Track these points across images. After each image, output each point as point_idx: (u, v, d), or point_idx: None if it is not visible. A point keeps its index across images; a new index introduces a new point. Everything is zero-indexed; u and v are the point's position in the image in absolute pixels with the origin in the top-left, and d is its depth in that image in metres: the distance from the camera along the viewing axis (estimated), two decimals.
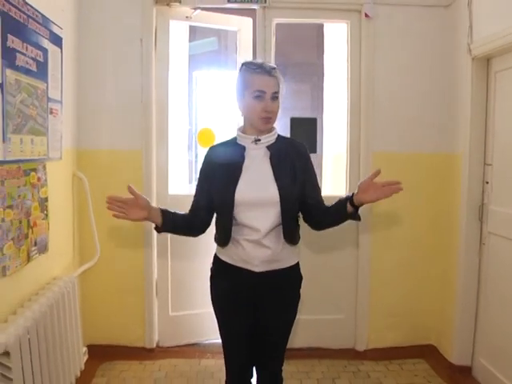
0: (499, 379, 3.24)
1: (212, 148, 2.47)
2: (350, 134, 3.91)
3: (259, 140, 2.34)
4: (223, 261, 2.39)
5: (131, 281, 3.86)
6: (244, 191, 2.26)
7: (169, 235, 3.93)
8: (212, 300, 2.47)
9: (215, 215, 2.41)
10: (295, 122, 3.95)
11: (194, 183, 5.08)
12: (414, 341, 4.00)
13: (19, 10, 2.60)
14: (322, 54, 4.63)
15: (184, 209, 3.74)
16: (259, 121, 2.27)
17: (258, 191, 2.27)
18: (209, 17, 4.04)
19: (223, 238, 2.35)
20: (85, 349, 3.58)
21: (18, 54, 2.58)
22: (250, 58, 3.94)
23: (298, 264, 2.43)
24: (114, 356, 3.83)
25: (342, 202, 2.29)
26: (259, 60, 2.48)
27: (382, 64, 3.80)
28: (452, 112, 3.77)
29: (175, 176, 4.23)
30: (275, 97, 2.26)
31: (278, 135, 2.41)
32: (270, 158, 2.32)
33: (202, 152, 5.03)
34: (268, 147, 2.35)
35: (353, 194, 2.26)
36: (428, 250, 3.95)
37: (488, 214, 3.46)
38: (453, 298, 3.73)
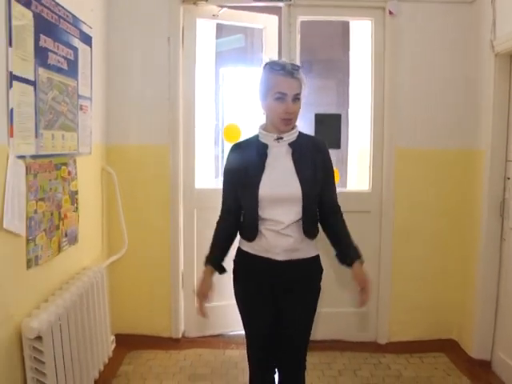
0: None
1: (234, 146, 2.51)
2: (374, 130, 3.96)
3: (281, 138, 2.38)
4: (245, 251, 2.44)
5: (158, 272, 3.97)
6: (267, 187, 2.30)
7: (195, 228, 4.05)
8: (235, 294, 2.53)
9: (242, 209, 2.46)
10: (319, 118, 4.00)
11: (221, 178, 5.21)
12: (435, 335, 4.03)
13: (51, 10, 2.71)
14: (348, 50, 4.67)
15: (211, 202, 3.89)
16: (280, 122, 2.32)
17: (281, 187, 2.32)
18: (235, 15, 4.11)
19: (250, 234, 2.39)
20: (113, 337, 3.71)
21: (49, 53, 2.70)
22: (275, 55, 4.01)
23: (318, 256, 2.46)
24: (140, 345, 3.95)
25: (343, 251, 2.42)
26: (283, 60, 2.49)
27: (406, 60, 3.83)
28: (475, 108, 3.78)
29: (202, 171, 4.33)
30: (297, 98, 2.30)
31: (300, 132, 2.45)
32: (292, 155, 2.36)
33: (228, 147, 5.14)
34: (290, 144, 2.39)
35: (352, 262, 2.39)
36: (449, 245, 3.97)
37: (509, 210, 3.46)
38: (473, 292, 3.76)
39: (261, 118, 4.14)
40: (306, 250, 2.41)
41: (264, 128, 2.44)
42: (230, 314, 4.06)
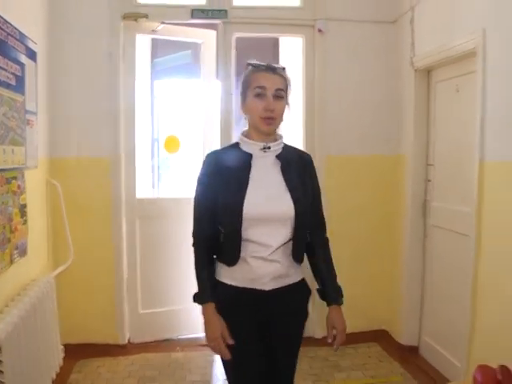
0: (442, 354, 3.66)
1: (211, 155, 2.19)
2: (306, 140, 4.22)
3: (269, 148, 2.11)
4: (225, 284, 2.12)
5: (103, 281, 4.06)
6: (253, 205, 2.02)
7: (137, 236, 4.17)
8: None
9: (221, 228, 2.11)
10: None
11: (157, 188, 5.34)
12: (368, 327, 4.35)
13: (0, 28, 2.80)
14: (278, 62, 4.93)
15: (152, 211, 4.05)
16: (260, 121, 2.05)
17: (270, 205, 2.05)
18: (174, 30, 4.26)
19: (231, 256, 2.08)
20: (61, 347, 3.77)
21: (0, 70, 2.79)
22: (213, 68, 4.23)
23: (304, 279, 2.24)
24: (89, 354, 4.01)
25: (326, 289, 2.23)
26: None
27: (335, 75, 4.14)
28: (398, 118, 4.15)
29: (140, 181, 4.46)
30: (279, 95, 2.05)
31: (284, 144, 2.19)
32: (281, 169, 2.11)
33: (166, 157, 5.29)
34: (277, 156, 2.13)
35: (332, 303, 2.21)
36: (379, 242, 4.32)
37: (430, 210, 3.85)
38: (401, 285, 4.12)
39: (200, 130, 4.37)
40: (293, 274, 2.17)
41: (246, 135, 2.16)
42: (175, 319, 4.24)
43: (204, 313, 2.12)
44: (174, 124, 5.18)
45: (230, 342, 2.05)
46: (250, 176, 2.07)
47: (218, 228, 2.10)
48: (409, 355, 4.00)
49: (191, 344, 4.27)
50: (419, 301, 4.01)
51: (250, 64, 2.14)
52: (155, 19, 4.07)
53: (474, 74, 3.08)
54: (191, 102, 4.83)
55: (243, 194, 2.03)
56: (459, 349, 3.28)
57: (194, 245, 2.18)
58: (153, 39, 4.74)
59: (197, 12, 4.04)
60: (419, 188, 3.92)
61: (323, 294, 2.23)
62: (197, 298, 2.16)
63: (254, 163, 2.10)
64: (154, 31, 4.15)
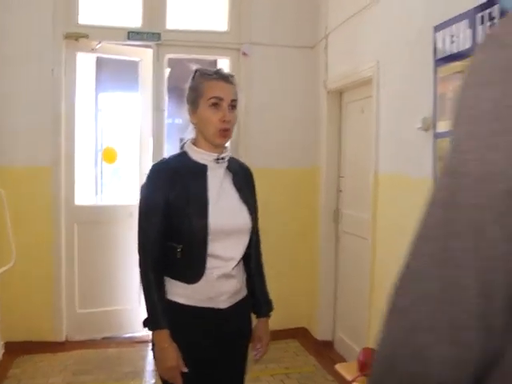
0: (351, 347, 4.06)
1: (160, 167, 2.08)
2: (234, 155, 4.56)
3: (222, 159, 2.03)
4: (180, 304, 1.98)
5: (42, 282, 4.33)
6: (218, 217, 1.94)
7: (75, 240, 4.46)
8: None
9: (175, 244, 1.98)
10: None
11: (100, 195, 5.63)
12: (288, 325, 4.72)
13: None
14: None
15: (90, 216, 4.31)
16: (216, 133, 1.97)
17: (231, 217, 2.00)
18: (113, 48, 4.58)
19: (194, 273, 1.96)
20: (1, 343, 4.03)
21: None
22: (150, 84, 4.55)
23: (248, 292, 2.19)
24: (29, 350, 4.24)
25: (257, 302, 2.20)
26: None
27: (258, 94, 4.53)
28: (315, 134, 4.59)
29: (83, 189, 4.76)
30: (234, 106, 2.00)
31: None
32: (233, 181, 2.06)
33: (107, 167, 5.60)
34: (227, 167, 2.06)
35: (261, 315, 2.21)
36: (298, 248, 4.70)
37: (342, 217, 4.29)
38: (317, 285, 4.54)
39: (138, 141, 4.69)
40: (243, 288, 2.12)
41: (196, 144, 2.05)
42: (110, 319, 4.53)
43: (158, 340, 1.93)
44: (116, 135, 5.49)
45: (185, 369, 1.92)
46: (209, 188, 1.98)
47: (169, 244, 1.97)
48: (323, 349, 4.41)
49: (126, 341, 4.57)
50: (333, 299, 4.45)
51: (198, 70, 2.05)
52: (95, 39, 4.40)
53: (372, 98, 3.53)
54: (131, 115, 5.16)
55: (206, 207, 1.94)
56: (362, 339, 3.68)
57: (140, 265, 1.99)
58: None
59: (132, 34, 4.40)
60: (332, 197, 4.38)
61: (254, 306, 2.18)
62: (149, 324, 1.98)
63: (210, 174, 2.00)
64: (93, 50, 4.46)
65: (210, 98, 1.95)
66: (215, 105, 1.95)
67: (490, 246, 0.60)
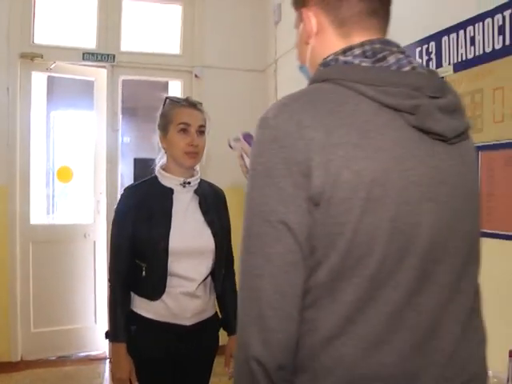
0: None
1: (130, 190, 2.22)
2: None
3: (189, 183, 2.16)
4: (144, 317, 2.10)
5: None
6: (179, 239, 2.06)
7: (30, 259, 4.48)
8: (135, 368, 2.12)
9: (141, 263, 2.12)
10: (138, 162, 4.70)
11: (52, 215, 5.63)
12: None
13: None
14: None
15: (45, 235, 4.33)
16: (184, 156, 2.11)
17: (193, 239, 2.11)
18: (68, 68, 4.63)
19: (156, 291, 2.07)
20: None
21: None
22: (104, 103, 4.63)
23: (217, 312, 2.31)
24: None
25: (228, 319, 2.27)
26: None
27: (210, 115, 4.66)
28: None
29: (35, 208, 4.78)
30: (201, 131, 2.15)
31: (200, 179, 2.27)
32: (199, 204, 2.17)
33: (60, 186, 5.62)
34: (195, 191, 2.19)
35: (230, 333, 2.29)
36: None
37: None
38: None
39: (91, 159, 4.76)
40: (210, 307, 2.22)
41: (165, 169, 2.19)
42: (65, 338, 4.55)
43: (114, 352, 2.10)
44: (70, 154, 5.52)
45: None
46: (173, 211, 2.10)
47: (137, 263, 2.10)
48: None
49: (82, 360, 4.59)
50: None
51: (168, 98, 2.22)
52: (50, 59, 4.46)
53: None
54: (85, 134, 5.22)
55: (168, 229, 2.06)
56: None
57: (109, 280, 2.17)
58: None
59: (87, 55, 4.50)
60: None
61: (225, 324, 2.28)
62: (109, 336, 2.15)
63: (175, 198, 2.12)
64: (48, 69, 4.51)
65: (179, 124, 2.11)
66: (184, 130, 2.11)
67: (275, 259, 0.92)
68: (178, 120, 2.12)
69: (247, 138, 1.65)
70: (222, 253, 2.18)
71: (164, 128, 2.16)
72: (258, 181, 0.95)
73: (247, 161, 1.60)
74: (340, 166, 0.91)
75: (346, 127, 0.93)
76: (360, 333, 0.93)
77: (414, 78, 0.98)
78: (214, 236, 2.14)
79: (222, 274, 2.23)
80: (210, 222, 2.15)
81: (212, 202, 2.22)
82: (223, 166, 4.68)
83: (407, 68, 0.99)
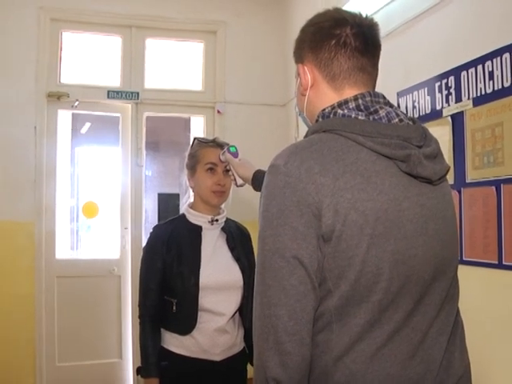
0: None
1: (159, 228, 2.29)
2: None
3: (216, 220, 2.22)
4: (175, 354, 2.15)
5: (22, 335, 4.35)
6: (209, 275, 2.12)
7: (55, 292, 4.52)
8: None
9: (171, 299, 2.18)
10: (162, 197, 4.75)
11: (76, 251, 5.70)
12: None
13: None
14: (189, 132, 5.57)
15: (70, 270, 4.36)
16: (211, 195, 2.18)
17: (222, 274, 2.16)
18: (93, 105, 4.73)
19: (187, 326, 2.12)
20: None
21: None
22: (129, 138, 4.71)
23: (245, 346, 2.32)
24: None
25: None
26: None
27: None
28: None
29: (60, 243, 4.84)
30: (228, 170, 2.20)
31: (226, 218, 2.33)
32: (227, 240, 2.24)
33: (85, 222, 5.69)
34: (222, 228, 2.26)
35: None
36: None
37: None
38: None
39: (116, 195, 4.82)
40: (240, 342, 2.26)
41: (193, 207, 2.27)
42: (91, 374, 4.53)
43: None
44: (95, 189, 5.61)
45: None
46: (202, 248, 2.16)
47: (166, 299, 2.16)
48: None
49: None
50: None
51: (197, 139, 2.31)
52: (75, 97, 4.57)
53: None
54: (111, 169, 5.30)
55: (198, 264, 2.12)
56: None
57: (140, 317, 2.23)
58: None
59: (112, 93, 4.61)
60: None
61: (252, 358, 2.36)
62: (141, 371, 2.18)
63: (204, 234, 2.19)
64: (73, 107, 4.60)
65: (206, 164, 2.20)
66: (211, 169, 2.19)
67: (290, 290, 1.06)
68: (205, 160, 2.20)
69: (231, 153, 2.17)
70: (250, 288, 2.14)
71: (192, 167, 2.24)
72: (272, 221, 1.09)
73: (233, 170, 2.14)
74: (348, 207, 1.06)
75: (351, 173, 1.09)
76: (367, 350, 1.08)
77: (403, 130, 1.14)
78: (242, 271, 2.20)
79: (250, 310, 2.24)
80: (238, 258, 2.22)
81: (238, 239, 2.28)
82: (245, 201, 4.74)
83: (396, 120, 1.16)
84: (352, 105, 1.17)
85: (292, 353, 1.05)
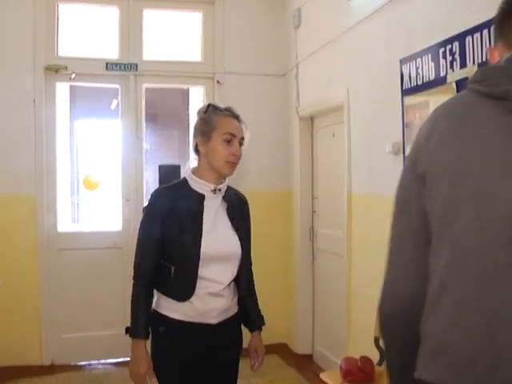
0: (330, 358, 4.26)
1: (161, 192, 2.26)
2: None
3: (219, 190, 2.19)
4: (174, 319, 2.15)
5: (27, 308, 4.41)
6: (210, 244, 2.12)
7: (59, 265, 4.55)
8: (162, 372, 2.18)
9: (169, 264, 2.16)
10: (163, 169, 4.74)
11: (77, 223, 5.72)
12: (269, 341, 4.86)
13: None
14: (188, 104, 5.55)
15: (72, 242, 4.38)
16: (225, 165, 2.13)
17: (223, 245, 2.17)
18: (91, 76, 4.72)
19: (185, 293, 2.12)
20: None
21: None
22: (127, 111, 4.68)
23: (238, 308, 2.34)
24: (16, 375, 4.28)
25: (250, 317, 2.36)
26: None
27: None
28: (288, 157, 4.84)
29: (61, 216, 4.86)
30: (241, 143, 2.19)
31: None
32: (227, 210, 2.22)
33: (85, 194, 5.71)
34: (223, 197, 2.23)
35: (254, 329, 2.37)
36: (276, 266, 4.87)
37: (317, 235, 4.51)
38: (295, 301, 4.74)
39: (115, 167, 4.82)
40: (234, 305, 2.28)
41: (196, 173, 2.20)
42: (95, 344, 4.60)
43: (134, 348, 2.15)
44: (95, 162, 5.61)
45: (152, 381, 2.14)
46: (204, 216, 2.14)
47: (163, 263, 2.15)
48: (304, 362, 4.60)
49: (111, 365, 4.64)
50: (311, 314, 4.65)
51: (211, 105, 2.24)
52: (73, 70, 4.54)
53: (343, 124, 3.77)
54: (111, 142, 5.29)
55: (200, 234, 2.11)
56: (341, 350, 3.87)
57: (134, 278, 2.24)
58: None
59: (110, 65, 4.57)
60: (306, 217, 4.60)
61: (247, 321, 2.35)
62: (130, 332, 2.19)
63: (206, 204, 2.15)
64: (71, 79, 4.57)
65: (225, 134, 2.13)
66: (228, 140, 2.12)
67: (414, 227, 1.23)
68: (224, 129, 2.13)
69: None
70: (245, 258, 2.25)
71: (206, 134, 2.15)
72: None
73: None
74: (435, 148, 1.18)
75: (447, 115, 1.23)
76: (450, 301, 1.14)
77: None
78: (240, 241, 2.20)
79: (245, 278, 2.29)
80: (237, 228, 2.21)
81: (237, 209, 2.27)
82: (241, 170, 4.73)
83: None
84: None
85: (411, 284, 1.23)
